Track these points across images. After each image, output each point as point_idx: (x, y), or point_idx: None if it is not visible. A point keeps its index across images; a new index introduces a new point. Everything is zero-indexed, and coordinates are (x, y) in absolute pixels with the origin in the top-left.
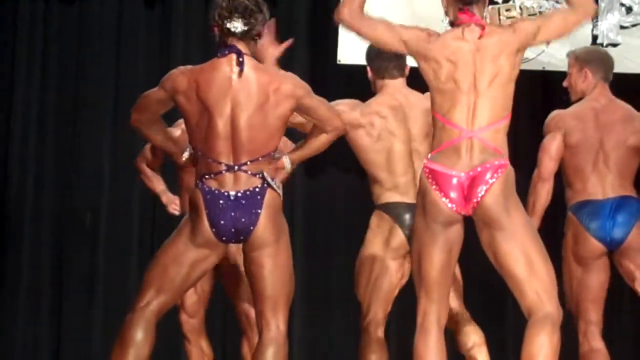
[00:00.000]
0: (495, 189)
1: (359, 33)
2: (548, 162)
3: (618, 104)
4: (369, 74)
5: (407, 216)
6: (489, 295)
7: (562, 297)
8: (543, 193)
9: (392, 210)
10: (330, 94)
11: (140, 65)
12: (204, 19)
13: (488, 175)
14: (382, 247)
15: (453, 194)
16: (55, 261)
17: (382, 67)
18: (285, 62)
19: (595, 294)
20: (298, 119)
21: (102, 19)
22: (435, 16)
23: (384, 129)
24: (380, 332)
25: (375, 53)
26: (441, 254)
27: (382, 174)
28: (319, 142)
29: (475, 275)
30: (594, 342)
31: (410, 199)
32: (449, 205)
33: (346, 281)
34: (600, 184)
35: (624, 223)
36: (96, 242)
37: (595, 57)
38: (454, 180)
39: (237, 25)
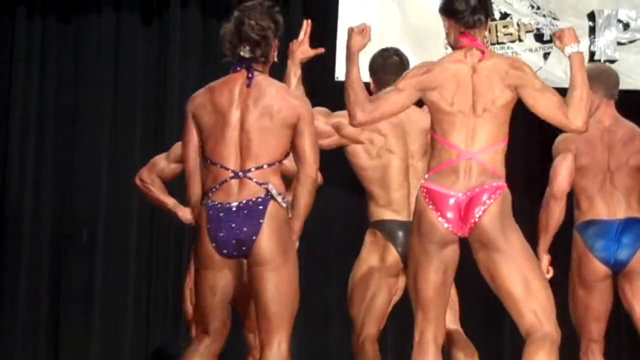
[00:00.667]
0: (492, 211)
1: (382, 119)
2: (561, 181)
3: (622, 124)
4: (372, 85)
5: (400, 234)
6: (486, 308)
7: (566, 317)
8: (556, 212)
9: (385, 228)
10: None
11: (139, 70)
12: (200, 33)
13: (485, 197)
14: (376, 265)
15: (450, 214)
16: (55, 263)
17: (384, 80)
18: (282, 78)
19: (598, 314)
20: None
21: (100, 31)
22: (428, 26)
23: (382, 147)
24: (376, 349)
25: (378, 65)
26: (437, 275)
27: (376, 189)
28: (304, 199)
29: (472, 289)
30: None
31: (403, 217)
32: (445, 225)
33: (343, 293)
34: (606, 204)
35: (629, 245)
36: (95, 244)
37: (596, 76)
38: (451, 201)
39: (246, 53)
